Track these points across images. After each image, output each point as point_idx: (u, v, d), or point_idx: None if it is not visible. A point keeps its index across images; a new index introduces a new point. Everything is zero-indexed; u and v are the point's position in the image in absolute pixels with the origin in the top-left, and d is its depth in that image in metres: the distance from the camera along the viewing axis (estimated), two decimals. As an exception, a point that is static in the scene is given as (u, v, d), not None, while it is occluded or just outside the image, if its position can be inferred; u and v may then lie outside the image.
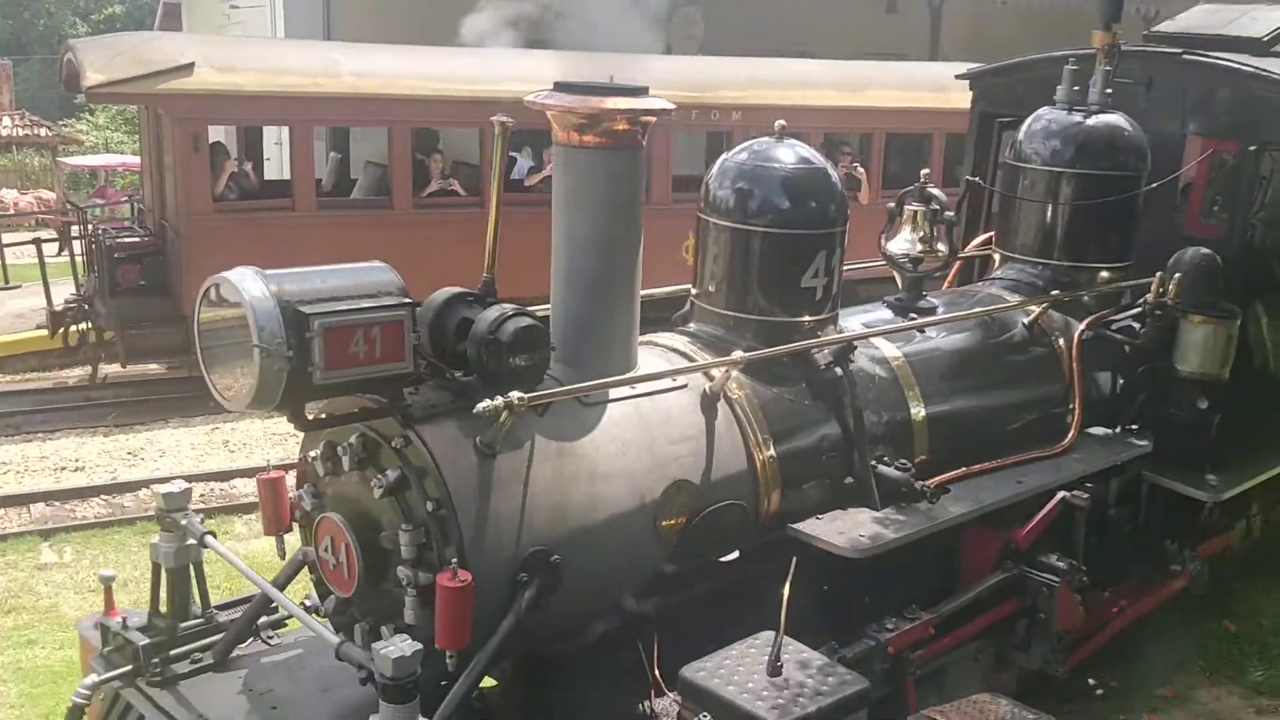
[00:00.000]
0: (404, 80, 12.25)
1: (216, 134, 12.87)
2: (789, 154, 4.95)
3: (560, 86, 4.26)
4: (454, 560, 3.61)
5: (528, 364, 3.92)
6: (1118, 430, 5.99)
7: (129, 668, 4.26)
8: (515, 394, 3.78)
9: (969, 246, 7.00)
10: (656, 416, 4.35)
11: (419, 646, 3.28)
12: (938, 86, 14.65)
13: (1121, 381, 6.16)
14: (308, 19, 17.57)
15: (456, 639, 3.57)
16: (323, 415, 4.03)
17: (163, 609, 4.42)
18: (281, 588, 4.43)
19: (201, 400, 11.51)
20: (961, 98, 13.79)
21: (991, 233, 6.90)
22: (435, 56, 12.60)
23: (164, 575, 4.41)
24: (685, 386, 4.51)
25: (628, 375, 4.34)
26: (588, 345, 4.30)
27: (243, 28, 19.46)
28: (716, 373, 4.54)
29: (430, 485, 3.75)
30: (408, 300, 3.72)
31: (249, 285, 3.48)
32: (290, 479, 4.38)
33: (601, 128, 4.22)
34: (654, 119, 4.27)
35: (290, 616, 4.65)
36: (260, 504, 4.37)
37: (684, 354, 4.71)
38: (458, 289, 4.09)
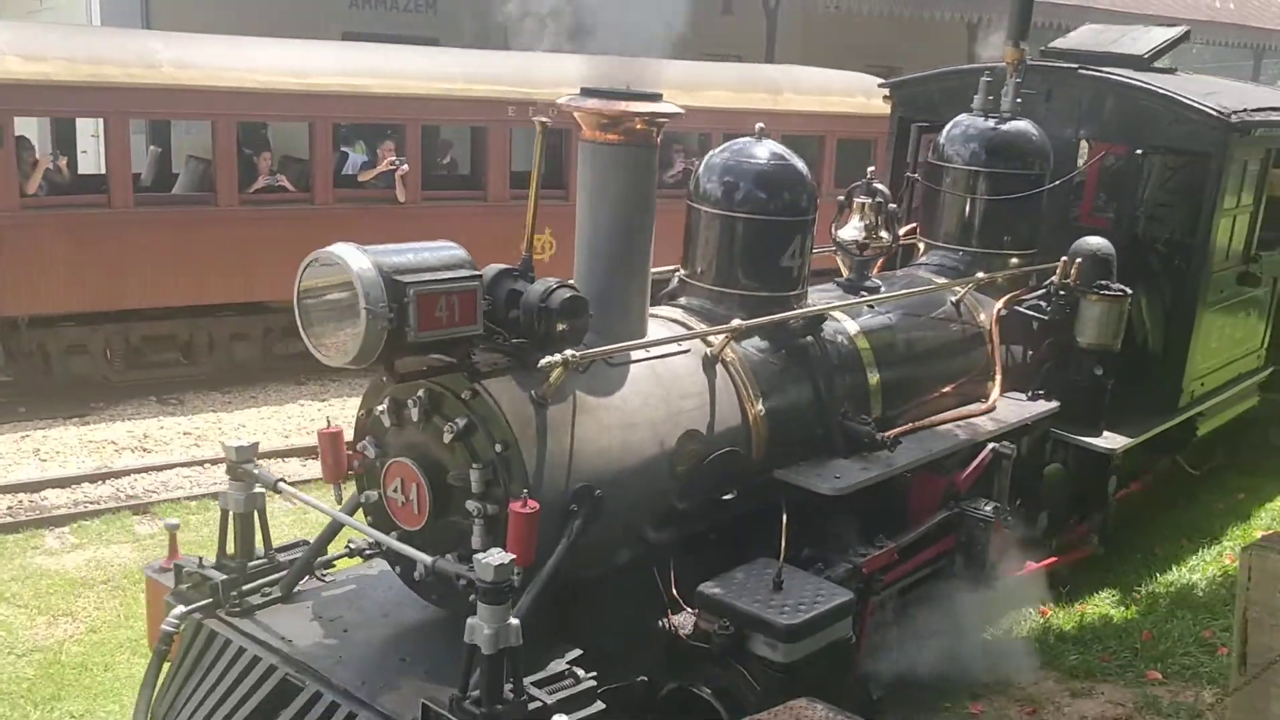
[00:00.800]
0: (228, 72, 11.75)
1: (26, 126, 12.19)
2: (765, 152, 5.74)
3: (586, 91, 4.95)
4: (525, 491, 4.27)
5: (571, 329, 4.60)
6: (1029, 394, 6.94)
7: (209, 600, 4.79)
8: (569, 351, 4.47)
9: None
10: (669, 376, 5.08)
11: (514, 555, 3.93)
12: (773, 89, 15.30)
13: (1031, 352, 7.11)
14: (126, 7, 16.87)
15: (525, 556, 4.22)
16: (384, 377, 4.65)
17: (229, 550, 4.97)
18: (339, 529, 5.03)
19: (10, 407, 11.14)
20: (796, 99, 14.88)
21: (914, 224, 7.79)
22: (262, 48, 12.35)
23: (232, 520, 4.96)
24: (688, 351, 5.25)
25: (643, 340, 5.06)
26: (610, 314, 4.97)
27: (55, 14, 18.08)
28: (715, 339, 5.29)
29: (496, 430, 4.40)
30: (479, 273, 4.37)
31: (354, 257, 4.09)
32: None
33: (622, 127, 4.92)
34: (667, 120, 4.96)
35: (339, 556, 5.25)
36: (320, 454, 4.94)
37: (682, 324, 5.44)
38: (503, 265, 4.73)
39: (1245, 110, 7.52)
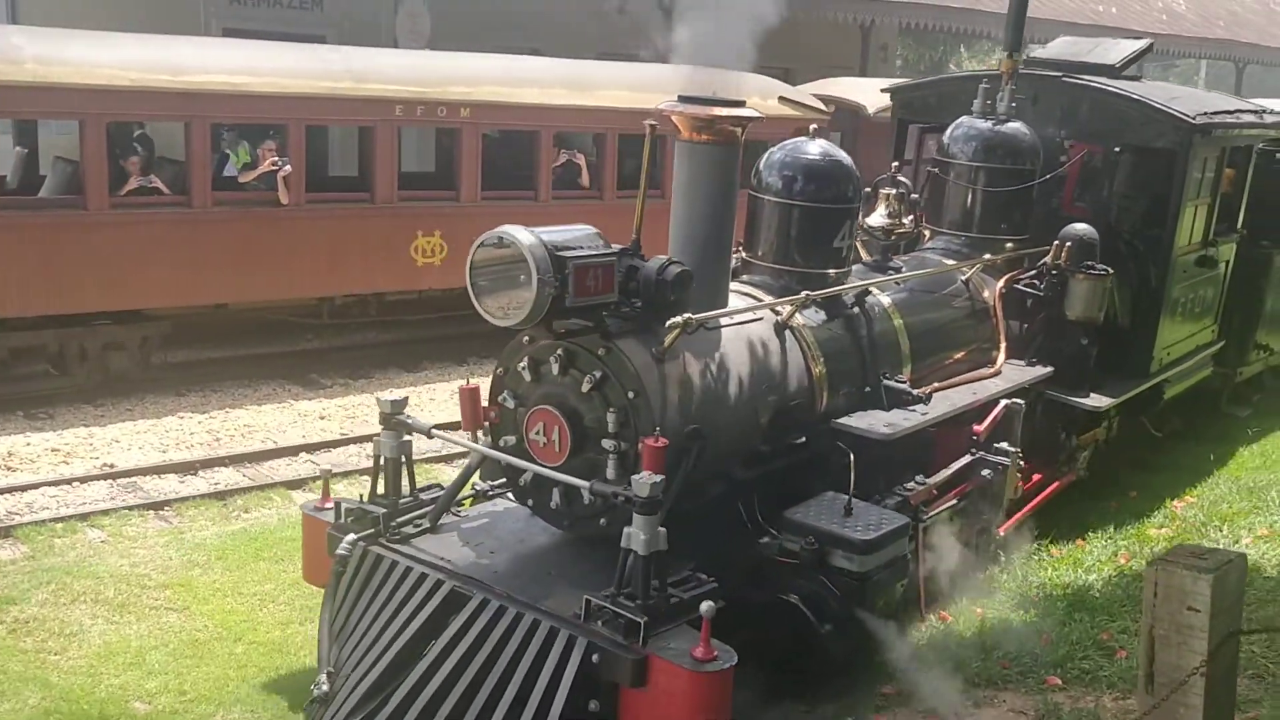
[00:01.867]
0: (99, 69, 10.95)
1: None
2: (817, 149, 6.70)
3: (683, 99, 5.87)
4: (657, 430, 5.19)
5: (681, 298, 5.53)
6: (1026, 361, 8.00)
7: (372, 530, 5.65)
8: (687, 315, 5.40)
9: (903, 223, 8.90)
10: (750, 339, 6.04)
11: (663, 476, 4.86)
12: (668, 88, 15.71)
13: (1026, 325, 8.17)
14: (-11, 1, 15.94)
15: (658, 483, 5.14)
16: (525, 340, 5.56)
17: (380, 491, 5.84)
18: (474, 469, 5.92)
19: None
20: None
21: (916, 213, 8.80)
22: (135, 44, 11.61)
23: (384, 463, 5.83)
24: (762, 319, 6.21)
25: (739, 307, 6.01)
26: (701, 287, 5.89)
27: (-88, 9, 16.90)
28: (783, 309, 6.26)
29: (627, 380, 5.32)
30: (615, 250, 5.29)
31: (526, 236, 4.99)
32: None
33: (714, 129, 5.85)
34: (750, 123, 5.90)
35: (468, 497, 6.14)
36: (460, 406, 5.84)
37: (753, 296, 6.38)
38: (618, 245, 5.62)
39: (1205, 113, 8.67)
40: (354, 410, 11.81)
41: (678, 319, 5.38)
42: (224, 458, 10.05)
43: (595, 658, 4.84)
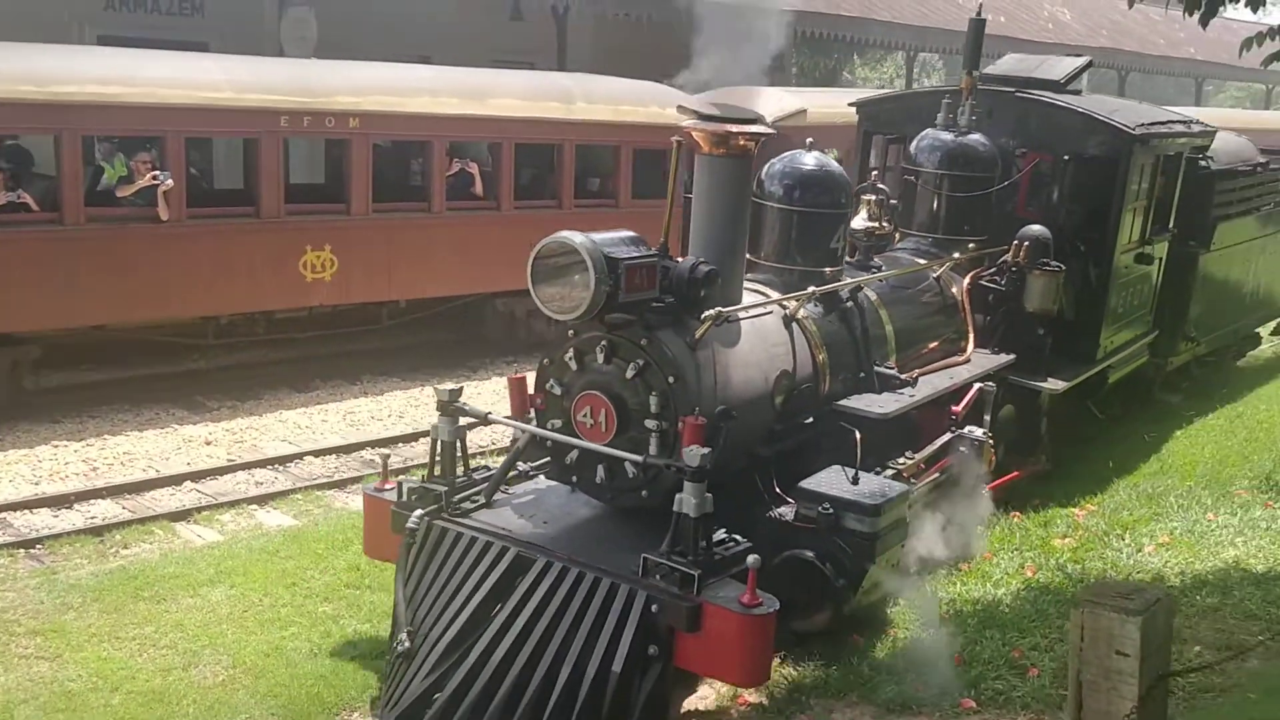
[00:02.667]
0: None
1: None
2: (813, 160, 7.48)
3: (702, 117, 6.60)
4: (696, 409, 5.90)
5: (709, 294, 6.26)
6: (991, 349, 8.86)
7: (435, 507, 6.28)
8: (719, 309, 6.13)
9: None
10: (764, 330, 6.79)
11: (709, 450, 5.57)
12: (565, 97, 14.71)
13: (989, 317, 9.03)
14: None
15: (697, 457, 5.86)
16: (571, 333, 6.24)
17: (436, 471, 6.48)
18: (523, 450, 6.59)
19: None
20: (589, 109, 14.77)
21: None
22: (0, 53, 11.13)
23: (441, 447, 6.46)
24: (772, 313, 6.96)
25: (747, 304, 6.74)
26: (714, 285, 6.61)
27: None
28: (790, 303, 7.02)
29: (667, 367, 6.03)
30: (656, 252, 6.00)
31: (581, 240, 5.69)
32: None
33: (730, 144, 6.57)
34: (763, 138, 6.64)
35: (515, 475, 6.79)
36: (510, 393, 6.52)
37: (762, 292, 7.13)
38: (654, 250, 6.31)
39: (1143, 124, 9.64)
40: (242, 434, 11.36)
41: (710, 312, 6.11)
42: (101, 489, 9.54)
43: (654, 607, 5.54)
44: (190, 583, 7.53)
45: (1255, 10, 7.59)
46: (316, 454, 10.87)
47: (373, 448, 10.96)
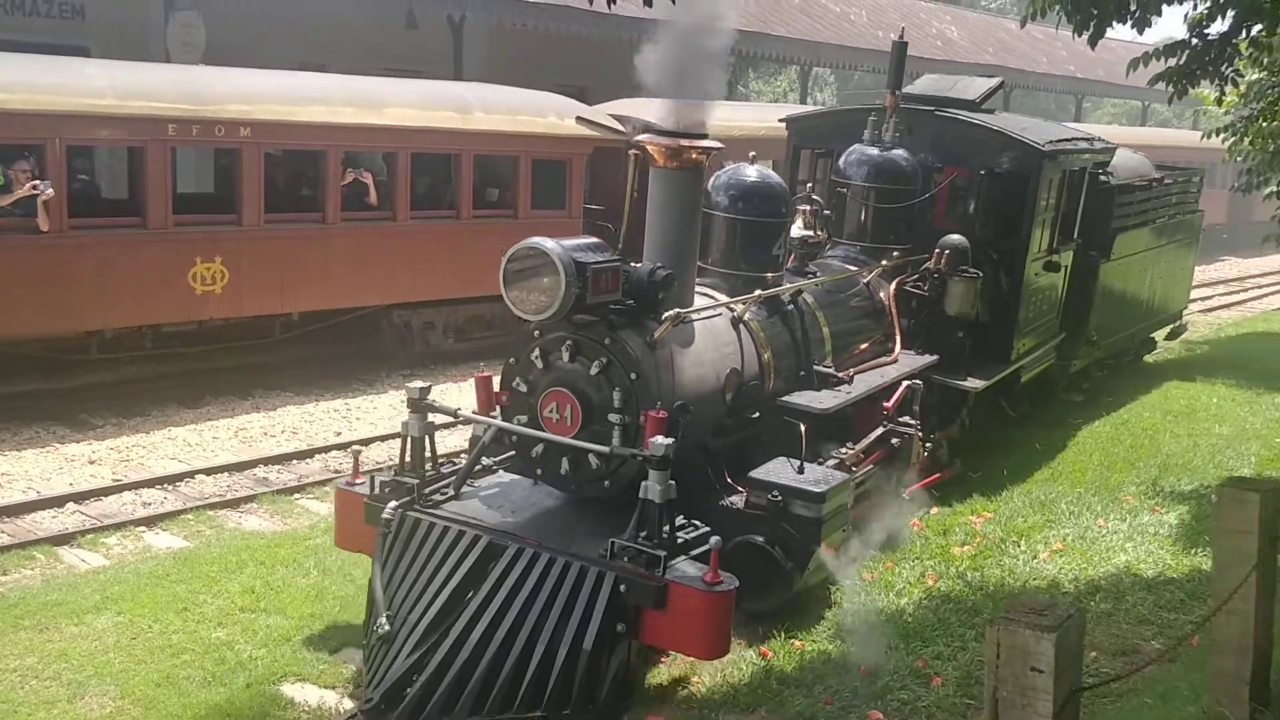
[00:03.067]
0: None
1: None
2: (755, 172, 7.98)
3: (655, 131, 7.03)
4: (658, 403, 6.33)
5: (666, 297, 6.69)
6: (915, 350, 9.44)
7: (408, 499, 6.60)
8: (677, 310, 6.57)
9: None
10: (715, 330, 7.24)
11: (673, 440, 5.99)
12: (462, 107, 14.50)
13: (913, 321, 9.63)
14: None
15: (659, 448, 6.28)
16: (535, 332, 6.62)
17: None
18: (489, 444, 6.93)
19: None
20: (487, 119, 14.48)
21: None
22: None
23: (410, 442, 6.78)
24: (720, 315, 7.42)
25: (700, 306, 7.19)
26: (672, 288, 7.05)
27: None
28: (738, 305, 7.49)
29: (629, 365, 6.44)
30: (619, 257, 6.42)
31: (551, 245, 6.08)
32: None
33: (683, 157, 7.02)
34: (713, 153, 7.10)
35: (482, 468, 7.12)
36: (476, 393, 6.86)
37: (711, 295, 7.58)
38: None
39: (1051, 141, 10.34)
40: (128, 452, 10.87)
41: (669, 314, 6.55)
42: (-22, 513, 8.95)
43: (623, 588, 5.94)
44: (75, 610, 7.15)
45: (1141, 31, 7.84)
46: (208, 472, 10.44)
47: (265, 465, 10.74)
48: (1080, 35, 7.51)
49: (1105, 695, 5.91)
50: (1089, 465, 10.57)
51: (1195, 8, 8.44)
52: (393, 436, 11.06)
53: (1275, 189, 11.29)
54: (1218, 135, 12.94)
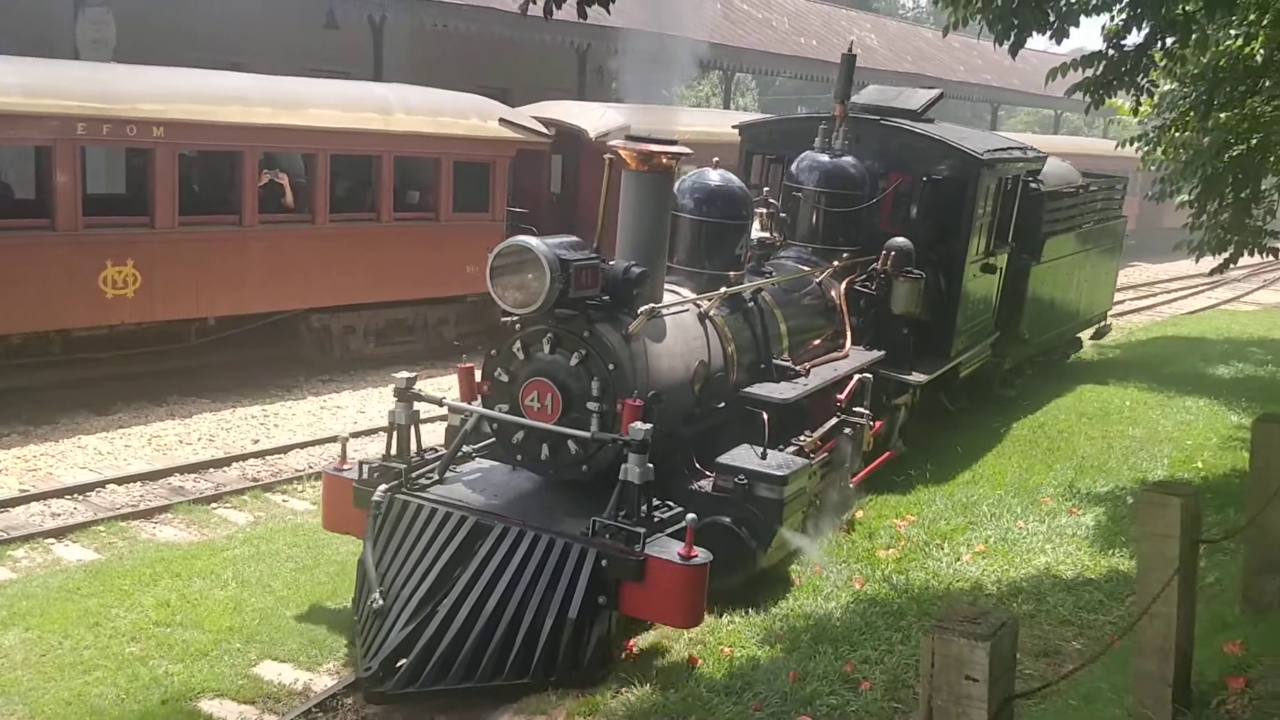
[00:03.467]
0: None
1: None
2: (718, 176, 8.46)
3: (630, 137, 7.48)
4: (635, 392, 6.77)
5: (640, 293, 7.14)
6: (864, 346, 9.99)
7: (397, 482, 6.97)
8: (651, 305, 7.01)
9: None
10: (684, 325, 7.70)
11: (651, 425, 6.43)
12: (383, 108, 14.40)
13: (861, 319, 10.17)
14: None
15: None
16: (517, 325, 7.03)
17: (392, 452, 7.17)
18: (471, 431, 7.32)
19: None
20: (408, 120, 14.45)
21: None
22: None
23: (397, 430, 7.15)
24: (687, 310, 7.88)
25: (668, 302, 7.65)
26: (644, 285, 7.49)
27: None
28: (704, 302, 7.96)
29: (607, 356, 6.88)
30: (596, 254, 6.85)
31: (536, 243, 6.50)
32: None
33: (652, 162, 7.47)
34: (681, 158, 7.55)
35: (462, 455, 7.51)
36: (459, 382, 7.24)
37: (678, 292, 8.03)
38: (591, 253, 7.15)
39: (989, 150, 10.97)
40: (36, 461, 10.63)
41: (645, 309, 7.00)
42: (-126, 528, 8.77)
43: (604, 562, 6.38)
44: (-21, 626, 6.93)
45: (1059, 42, 7.98)
46: (120, 481, 10.21)
47: (180, 473, 10.57)
48: (1001, 45, 7.69)
49: (1026, 697, 5.74)
50: (1008, 467, 10.66)
51: (1112, 19, 8.65)
52: (313, 443, 11.58)
53: (1187, 197, 11.47)
54: (1131, 144, 13.15)
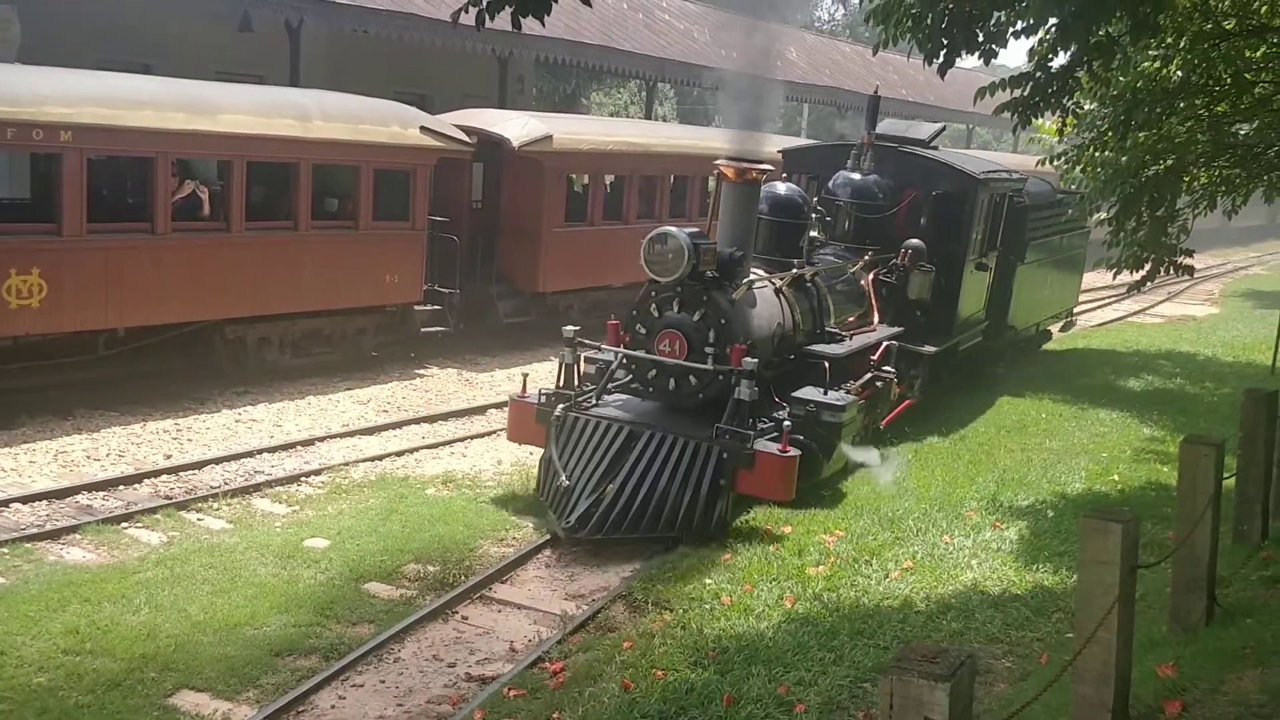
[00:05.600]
0: None
1: None
2: (785, 189, 11.30)
3: (729, 157, 10.27)
4: (740, 340, 9.53)
5: (739, 270, 9.93)
6: (887, 324, 12.79)
7: (568, 404, 9.71)
8: (751, 278, 9.81)
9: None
10: (766, 296, 10.49)
11: (756, 360, 9.19)
12: (301, 114, 13.84)
13: (884, 303, 12.98)
14: None
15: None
16: (652, 293, 9.80)
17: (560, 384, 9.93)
18: (615, 369, 10.08)
19: None
20: (327, 127, 13.89)
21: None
22: None
23: (563, 367, 9.92)
24: (766, 286, 10.67)
25: (754, 278, 10.42)
26: (741, 266, 10.24)
27: None
28: (778, 280, 10.75)
29: (719, 314, 9.65)
30: (713, 242, 9.66)
31: (678, 231, 9.29)
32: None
33: (745, 176, 10.27)
34: (769, 170, 10.35)
35: (611, 387, 10.26)
36: (608, 334, 10.02)
37: (759, 273, 10.79)
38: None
39: (985, 172, 13.84)
40: None
41: (745, 280, 9.82)
42: None
43: (724, 455, 9.13)
44: (-127, 656, 6.57)
45: (987, 63, 8.10)
46: (24, 500, 9.62)
47: (89, 491, 9.94)
48: (930, 64, 7.69)
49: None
50: (933, 481, 10.75)
51: (1040, 42, 8.78)
52: (228, 458, 11.07)
53: (1105, 215, 11.48)
54: (1052, 162, 13.25)
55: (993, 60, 7.92)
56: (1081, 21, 6.19)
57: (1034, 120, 9.16)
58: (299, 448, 11.64)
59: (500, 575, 8.48)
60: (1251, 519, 7.05)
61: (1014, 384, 15.73)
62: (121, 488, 10.19)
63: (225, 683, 6.65)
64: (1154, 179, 10.61)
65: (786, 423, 9.26)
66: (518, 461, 11.15)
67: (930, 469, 11.18)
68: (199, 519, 9.55)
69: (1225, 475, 5.90)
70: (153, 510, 9.56)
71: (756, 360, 9.23)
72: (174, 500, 9.88)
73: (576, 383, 10.09)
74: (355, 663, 7.00)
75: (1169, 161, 10.58)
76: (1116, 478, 10.91)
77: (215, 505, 9.84)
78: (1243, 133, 11.04)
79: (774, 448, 9.18)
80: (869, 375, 11.55)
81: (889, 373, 11.72)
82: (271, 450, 11.43)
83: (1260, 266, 42.91)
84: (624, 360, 10.10)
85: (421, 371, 15.64)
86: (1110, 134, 10.27)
